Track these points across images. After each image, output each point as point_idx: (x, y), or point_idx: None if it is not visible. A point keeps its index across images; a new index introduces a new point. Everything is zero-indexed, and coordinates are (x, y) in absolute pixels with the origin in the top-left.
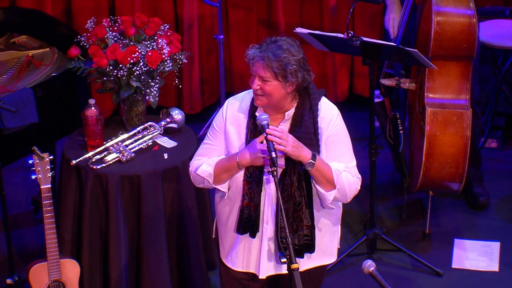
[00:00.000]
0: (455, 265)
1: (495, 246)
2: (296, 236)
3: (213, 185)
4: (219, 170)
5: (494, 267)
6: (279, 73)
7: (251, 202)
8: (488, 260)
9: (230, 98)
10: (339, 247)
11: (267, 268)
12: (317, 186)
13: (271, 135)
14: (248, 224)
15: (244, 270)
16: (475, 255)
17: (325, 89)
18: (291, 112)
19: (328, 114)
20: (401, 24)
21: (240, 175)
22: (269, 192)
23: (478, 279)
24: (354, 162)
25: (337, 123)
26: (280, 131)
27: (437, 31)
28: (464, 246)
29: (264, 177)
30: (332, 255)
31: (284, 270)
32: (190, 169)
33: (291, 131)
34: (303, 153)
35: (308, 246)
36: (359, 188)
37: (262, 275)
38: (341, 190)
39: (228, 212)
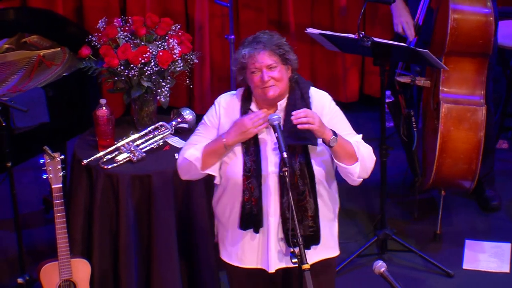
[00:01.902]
0: (466, 266)
1: (506, 247)
2: (301, 227)
3: (201, 171)
4: (207, 153)
5: (505, 268)
6: (282, 55)
7: (252, 197)
8: (499, 261)
9: (222, 95)
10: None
11: (275, 262)
12: (341, 164)
13: (297, 118)
14: (251, 219)
15: (251, 267)
16: (486, 256)
17: (334, 89)
18: (283, 103)
19: (320, 101)
20: (416, 26)
21: (239, 171)
22: (269, 185)
23: (489, 280)
24: (359, 136)
25: (332, 106)
26: (303, 111)
27: (453, 27)
28: (475, 247)
29: (263, 171)
30: (335, 248)
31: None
32: (178, 158)
33: (287, 121)
34: (327, 130)
35: (313, 238)
36: (375, 158)
37: (272, 269)
38: (362, 162)
39: (229, 210)
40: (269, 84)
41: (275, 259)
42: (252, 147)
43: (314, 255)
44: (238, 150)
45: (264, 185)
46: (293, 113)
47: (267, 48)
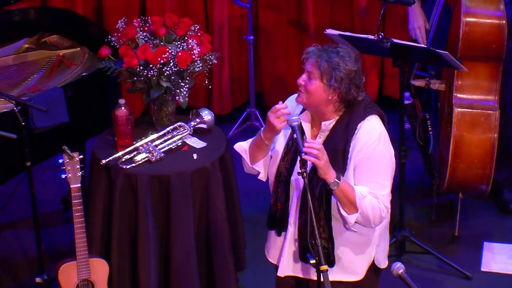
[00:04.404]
0: (484, 268)
1: None
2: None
3: (250, 164)
4: (252, 146)
5: None
6: (324, 74)
7: (277, 202)
8: None
9: (294, 95)
10: (384, 266)
11: (285, 268)
12: (340, 208)
13: (309, 147)
14: (275, 221)
15: (273, 262)
16: (504, 258)
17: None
18: (329, 124)
19: (365, 136)
20: (431, 26)
21: (274, 172)
22: (297, 195)
23: (508, 283)
24: (386, 191)
25: (373, 147)
26: (318, 144)
27: (465, 31)
28: (494, 249)
29: (293, 179)
30: (356, 274)
31: (302, 274)
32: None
33: (325, 142)
34: (331, 172)
35: (326, 259)
36: (384, 216)
37: (280, 273)
38: (364, 215)
39: None
40: (300, 88)
41: (286, 265)
42: (289, 155)
43: (329, 274)
44: (281, 152)
45: (291, 193)
46: (308, 140)
47: (316, 57)
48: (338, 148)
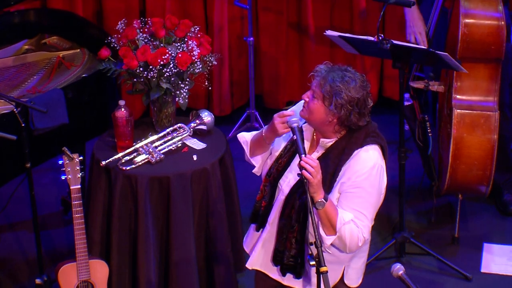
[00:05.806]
0: (484, 269)
1: None
2: (285, 255)
3: (249, 156)
4: (253, 140)
5: None
6: (326, 97)
7: (262, 200)
8: None
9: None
10: (355, 286)
11: (255, 261)
12: (320, 228)
13: (306, 163)
14: (256, 217)
15: (247, 251)
16: (504, 260)
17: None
18: (328, 143)
19: (357, 165)
20: (429, 28)
21: (266, 170)
22: (280, 199)
23: (508, 284)
24: (366, 222)
25: (362, 178)
26: (316, 163)
27: (464, 33)
28: (493, 251)
29: (280, 183)
30: None
31: (269, 272)
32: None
33: (318, 159)
34: (320, 191)
35: (291, 268)
36: (360, 245)
37: (248, 265)
38: (341, 240)
39: None
40: (304, 103)
41: (256, 259)
42: (284, 158)
43: (292, 282)
44: (277, 153)
45: (276, 195)
46: (308, 156)
47: (321, 79)
48: (329, 170)
